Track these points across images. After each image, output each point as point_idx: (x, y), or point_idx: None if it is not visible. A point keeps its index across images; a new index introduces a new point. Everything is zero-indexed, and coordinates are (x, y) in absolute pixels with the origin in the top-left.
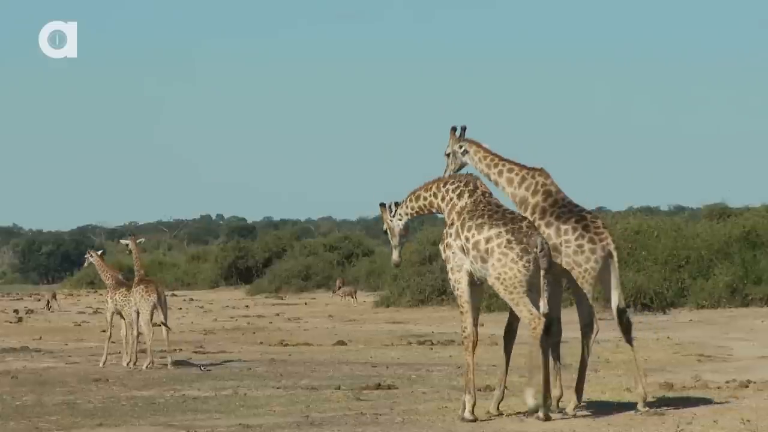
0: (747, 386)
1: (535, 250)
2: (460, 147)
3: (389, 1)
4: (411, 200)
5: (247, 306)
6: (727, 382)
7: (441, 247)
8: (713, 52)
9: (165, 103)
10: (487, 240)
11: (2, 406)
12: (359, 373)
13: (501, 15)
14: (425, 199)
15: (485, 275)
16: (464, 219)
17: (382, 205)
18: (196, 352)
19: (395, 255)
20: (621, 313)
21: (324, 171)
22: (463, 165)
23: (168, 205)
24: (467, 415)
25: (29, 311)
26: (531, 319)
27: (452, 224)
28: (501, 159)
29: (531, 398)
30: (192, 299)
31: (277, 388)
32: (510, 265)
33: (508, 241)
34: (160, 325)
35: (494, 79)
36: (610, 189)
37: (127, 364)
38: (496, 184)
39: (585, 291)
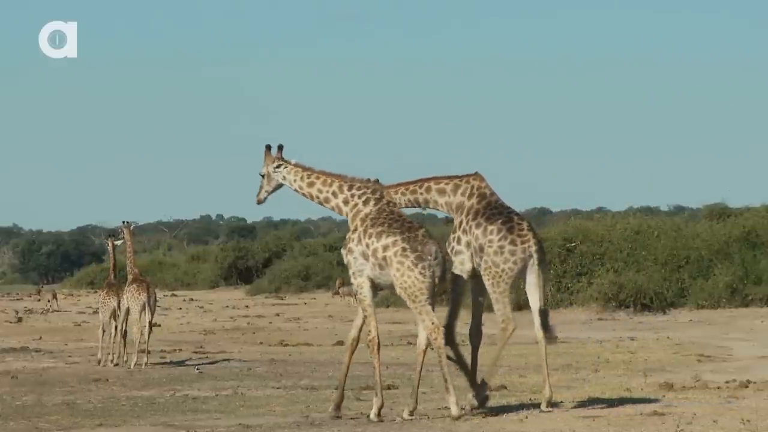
0: (747, 386)
1: (429, 258)
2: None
3: (387, 3)
4: (303, 179)
5: (247, 306)
6: (727, 382)
7: (343, 252)
8: (713, 52)
9: (165, 103)
10: (384, 248)
11: (2, 406)
12: (359, 373)
13: (500, 14)
14: (320, 192)
15: (386, 282)
16: (367, 226)
17: (268, 148)
18: (196, 352)
19: (261, 195)
20: (542, 314)
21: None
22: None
23: (168, 205)
24: (372, 416)
25: (45, 311)
26: (432, 329)
27: (355, 230)
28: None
29: (455, 407)
30: (192, 299)
31: (277, 388)
32: (407, 273)
33: (403, 249)
34: (154, 325)
35: (494, 79)
36: (610, 189)
37: (125, 364)
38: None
39: (500, 290)
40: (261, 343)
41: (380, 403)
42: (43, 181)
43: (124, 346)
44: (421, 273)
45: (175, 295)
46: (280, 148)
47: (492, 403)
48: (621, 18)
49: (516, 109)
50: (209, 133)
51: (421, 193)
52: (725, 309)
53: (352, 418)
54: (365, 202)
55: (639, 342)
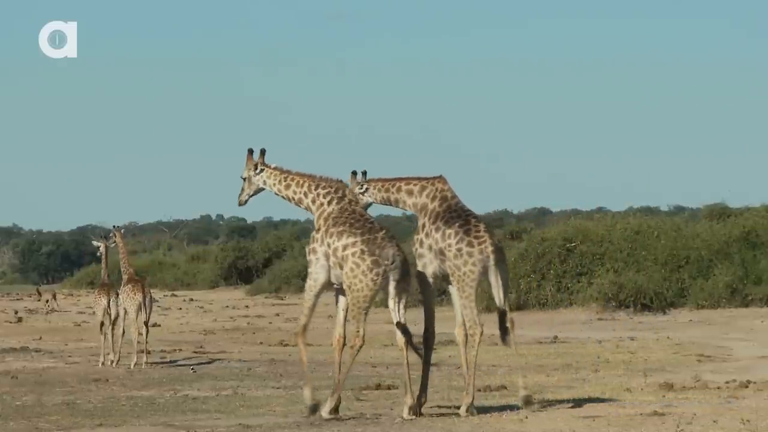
0: (747, 386)
1: (386, 262)
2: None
3: (381, 3)
4: (280, 181)
5: (247, 306)
6: (727, 382)
7: (307, 250)
8: (713, 52)
9: (165, 103)
10: (344, 248)
11: (2, 406)
12: (359, 373)
13: (501, 13)
14: (295, 193)
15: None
16: (329, 225)
17: (250, 152)
18: (196, 352)
19: (243, 197)
20: (502, 314)
21: (323, 171)
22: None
23: (168, 205)
24: (324, 414)
25: (48, 311)
26: (355, 335)
27: (319, 229)
28: (392, 180)
29: (330, 406)
30: (192, 299)
31: (277, 388)
32: (360, 277)
33: (362, 252)
34: (152, 325)
35: (493, 79)
36: (610, 189)
37: (132, 364)
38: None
39: (466, 294)
40: (261, 343)
41: (310, 393)
42: (43, 181)
43: (114, 346)
44: (372, 280)
45: (175, 295)
46: (263, 152)
47: (492, 403)
48: (621, 18)
49: (516, 109)
50: (209, 133)
51: (393, 193)
52: (725, 309)
53: (352, 418)
54: (329, 202)
55: (639, 342)
